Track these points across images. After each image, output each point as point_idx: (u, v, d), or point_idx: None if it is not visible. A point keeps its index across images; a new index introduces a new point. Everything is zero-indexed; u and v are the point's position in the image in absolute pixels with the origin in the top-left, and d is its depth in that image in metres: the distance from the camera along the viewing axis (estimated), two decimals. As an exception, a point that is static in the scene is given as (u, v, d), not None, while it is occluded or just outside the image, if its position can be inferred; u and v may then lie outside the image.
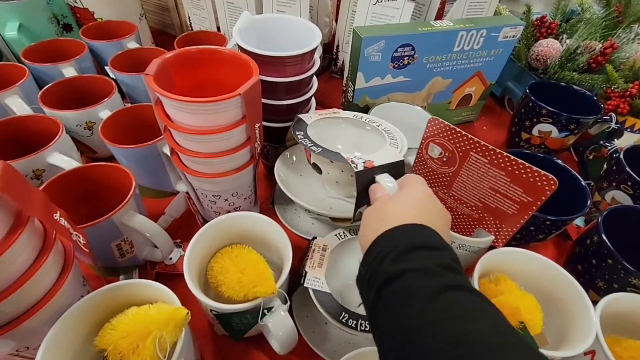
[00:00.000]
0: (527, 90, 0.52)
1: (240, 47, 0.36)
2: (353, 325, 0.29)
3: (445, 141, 0.31)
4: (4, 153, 0.40)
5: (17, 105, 0.45)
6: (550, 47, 0.57)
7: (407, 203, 0.24)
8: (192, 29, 0.74)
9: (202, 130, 0.31)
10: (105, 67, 0.53)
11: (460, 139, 0.29)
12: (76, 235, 0.27)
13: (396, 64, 0.49)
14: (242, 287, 0.29)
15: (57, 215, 0.24)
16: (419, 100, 0.56)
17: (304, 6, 0.56)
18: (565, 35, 0.60)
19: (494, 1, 0.58)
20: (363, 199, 0.30)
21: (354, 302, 0.36)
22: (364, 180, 0.29)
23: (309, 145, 0.32)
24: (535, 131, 0.52)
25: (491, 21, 0.51)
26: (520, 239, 0.39)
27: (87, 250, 0.28)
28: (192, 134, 0.31)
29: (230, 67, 0.33)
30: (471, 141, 0.29)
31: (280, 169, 0.39)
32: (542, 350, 0.23)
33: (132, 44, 0.58)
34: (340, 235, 0.36)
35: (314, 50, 0.37)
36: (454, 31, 0.48)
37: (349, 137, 0.37)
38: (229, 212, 0.37)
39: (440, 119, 0.30)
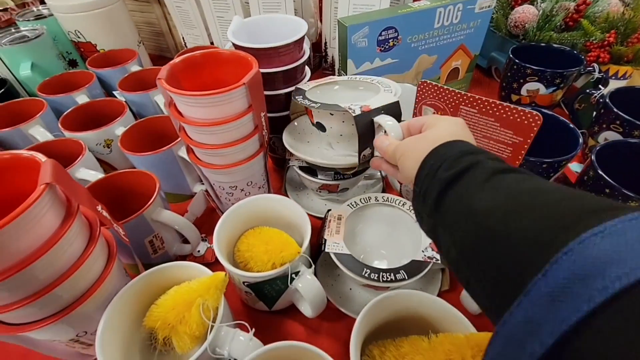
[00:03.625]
0: (510, 54, 0.54)
1: (235, 46, 0.40)
2: (375, 278, 0.31)
3: (435, 101, 0.33)
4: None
5: (40, 133, 0.49)
6: (526, 13, 0.60)
7: (444, 127, 0.25)
8: (187, 48, 0.79)
9: (213, 122, 0.34)
10: (114, 92, 0.58)
11: (449, 96, 0.32)
12: (117, 226, 0.30)
13: (382, 47, 0.52)
14: (269, 257, 0.31)
15: (99, 207, 0.27)
16: (409, 79, 0.59)
17: (289, 10, 0.60)
18: (539, 0, 0.63)
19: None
20: (365, 142, 0.32)
21: (372, 262, 0.38)
22: (364, 123, 0.32)
23: (309, 103, 0.35)
24: (523, 91, 0.54)
25: (466, -5, 0.54)
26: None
27: (127, 240, 0.31)
28: (204, 126, 0.34)
29: (231, 66, 0.36)
30: (459, 95, 0.31)
31: (287, 139, 0.42)
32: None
33: (134, 67, 0.63)
34: (352, 205, 0.38)
35: (302, 38, 0.40)
36: (432, 9, 0.51)
37: (345, 98, 0.39)
38: None
39: (429, 81, 0.33)
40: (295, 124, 0.44)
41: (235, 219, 0.37)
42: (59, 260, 0.25)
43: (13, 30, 0.61)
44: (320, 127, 0.38)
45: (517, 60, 0.53)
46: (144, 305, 0.31)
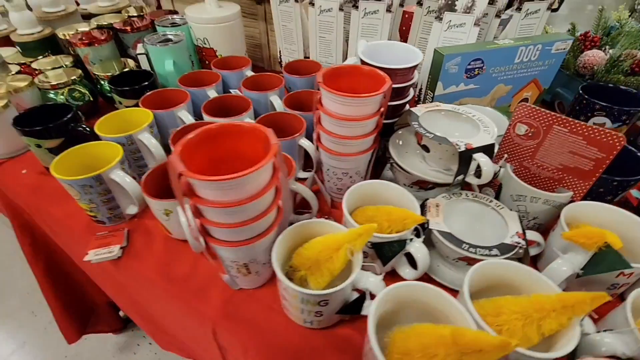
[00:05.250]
0: (581, 91, 0.62)
1: (364, 62, 0.50)
2: (473, 252, 0.39)
3: (531, 120, 0.42)
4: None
5: (185, 116, 0.62)
6: (595, 56, 0.68)
7: None
8: (280, 61, 0.92)
9: (349, 118, 0.44)
10: (230, 90, 0.71)
11: (544, 116, 0.40)
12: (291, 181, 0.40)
13: (468, 74, 0.61)
14: (390, 224, 0.40)
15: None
16: (484, 104, 0.67)
17: (384, 37, 0.71)
18: (607, 47, 0.71)
19: (542, 23, 0.71)
20: (461, 170, 0.42)
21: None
22: (465, 157, 0.41)
23: (424, 132, 0.45)
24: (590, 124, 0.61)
25: (545, 37, 0.63)
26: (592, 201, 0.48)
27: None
28: (342, 120, 0.44)
29: (366, 78, 0.47)
30: (554, 117, 0.40)
31: (391, 149, 0.51)
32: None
33: (249, 72, 0.75)
34: (447, 197, 0.47)
35: (417, 65, 0.50)
36: (515, 47, 0.60)
37: (449, 126, 0.49)
38: (348, 187, 0.49)
39: (528, 104, 0.42)
40: (400, 132, 0.54)
41: (357, 195, 0.46)
42: (256, 181, 0.34)
43: (160, 34, 0.76)
44: (425, 149, 0.48)
45: (586, 96, 0.61)
46: (289, 250, 0.41)
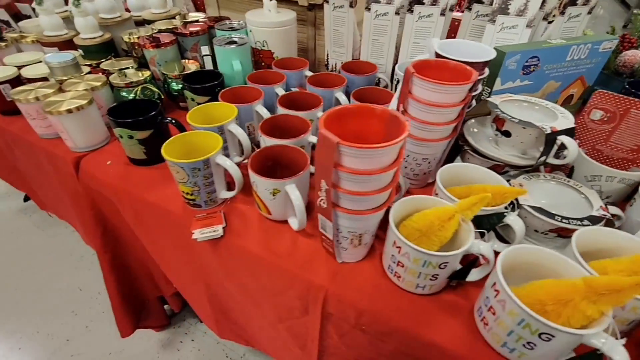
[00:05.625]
0: (627, 85, 0.67)
1: (438, 55, 0.55)
2: (566, 222, 0.43)
3: (607, 105, 0.47)
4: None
5: (261, 109, 0.66)
6: (635, 56, 0.74)
7: None
8: (327, 63, 0.97)
9: (438, 104, 0.48)
10: (291, 88, 0.75)
11: (623, 102, 0.45)
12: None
13: (525, 71, 0.67)
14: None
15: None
16: (535, 100, 0.72)
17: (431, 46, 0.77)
18: (643, 47, 0.76)
19: (582, 26, 0.77)
20: (546, 152, 0.46)
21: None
22: (550, 139, 0.46)
23: (510, 118, 0.49)
24: (638, 116, 0.66)
25: (593, 37, 0.69)
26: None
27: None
28: (432, 106, 0.48)
29: (452, 72, 0.51)
30: (632, 101, 0.45)
31: (467, 136, 0.56)
32: None
33: (308, 72, 0.80)
34: (527, 178, 0.51)
35: (489, 60, 0.55)
36: (568, 46, 0.66)
37: (521, 113, 0.53)
38: (425, 173, 0.53)
39: (606, 90, 0.47)
40: (472, 121, 0.59)
41: (447, 174, 0.49)
42: (384, 158, 0.38)
43: (225, 37, 0.81)
44: (506, 134, 0.53)
45: (633, 90, 0.66)
46: (395, 222, 0.44)
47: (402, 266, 0.41)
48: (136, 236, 0.72)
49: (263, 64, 0.88)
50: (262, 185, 0.48)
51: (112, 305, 0.87)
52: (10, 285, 1.28)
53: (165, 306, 1.07)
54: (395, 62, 0.86)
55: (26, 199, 1.67)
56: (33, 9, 1.14)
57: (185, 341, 1.11)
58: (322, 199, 0.39)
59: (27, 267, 1.34)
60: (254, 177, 0.49)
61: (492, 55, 0.55)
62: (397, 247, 0.40)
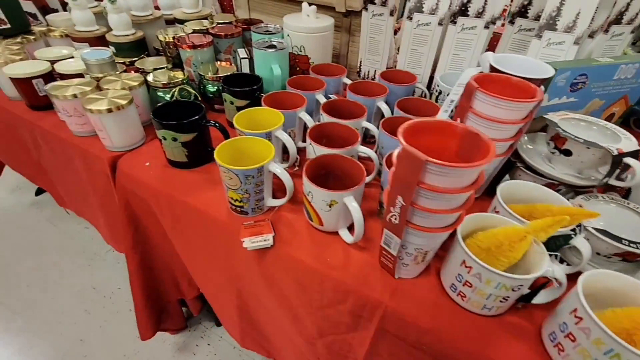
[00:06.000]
0: (672, 107, 0.67)
1: (493, 69, 0.55)
2: (634, 247, 0.42)
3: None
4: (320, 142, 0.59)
5: (305, 116, 0.65)
6: (678, 77, 0.73)
7: None
8: (359, 70, 0.96)
9: (501, 121, 0.47)
10: (329, 95, 0.74)
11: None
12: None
13: (572, 88, 0.66)
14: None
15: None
16: (578, 117, 0.72)
17: (477, 50, 0.76)
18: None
19: (623, 45, 0.77)
20: (610, 173, 0.45)
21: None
22: (616, 160, 0.45)
23: (573, 137, 0.48)
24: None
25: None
26: None
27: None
28: (496, 122, 0.48)
29: (513, 88, 0.50)
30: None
31: (522, 153, 0.55)
32: None
33: (346, 80, 0.80)
34: (585, 199, 0.50)
35: (548, 78, 0.55)
36: (617, 64, 0.65)
37: (583, 132, 0.53)
38: None
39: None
40: (525, 137, 0.58)
41: (506, 192, 0.49)
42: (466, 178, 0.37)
43: (264, 41, 0.80)
44: (566, 153, 0.52)
45: (678, 112, 0.66)
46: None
47: (470, 286, 0.40)
48: (167, 238, 0.71)
49: (298, 68, 0.87)
50: (318, 196, 0.47)
51: (136, 307, 0.85)
52: (21, 283, 1.26)
53: (183, 308, 1.05)
54: (432, 72, 0.85)
55: (38, 192, 1.65)
56: (61, 3, 1.13)
57: (202, 345, 1.10)
58: (394, 215, 0.38)
59: (38, 264, 1.32)
60: (310, 187, 0.47)
61: (550, 72, 0.54)
62: (467, 267, 0.39)
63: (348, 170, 0.52)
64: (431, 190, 0.34)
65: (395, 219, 0.38)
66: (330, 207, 0.48)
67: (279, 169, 0.51)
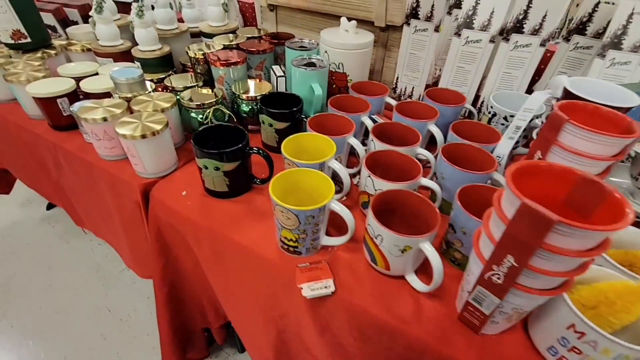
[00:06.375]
0: None
1: (571, 95, 0.50)
2: None
3: None
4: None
5: (355, 143, 0.60)
6: None
7: None
8: (395, 87, 0.91)
9: (590, 156, 0.42)
10: (372, 116, 0.69)
11: None
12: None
13: (643, 112, 0.61)
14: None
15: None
16: None
17: (528, 73, 0.72)
18: None
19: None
20: None
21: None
22: None
23: None
24: None
25: None
26: None
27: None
28: (587, 158, 0.43)
29: (602, 120, 0.45)
30: None
31: None
32: None
33: (389, 99, 0.75)
34: None
35: (633, 107, 0.50)
36: (692, 87, 0.60)
37: None
38: None
39: None
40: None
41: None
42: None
43: (305, 57, 0.75)
44: None
45: None
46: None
47: (579, 353, 0.35)
48: (198, 268, 0.66)
49: (335, 86, 0.83)
50: (390, 240, 0.42)
51: (161, 339, 0.80)
52: (32, 304, 1.20)
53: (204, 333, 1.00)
54: (477, 91, 0.80)
55: (49, 207, 1.60)
56: (83, 16, 1.09)
57: (223, 374, 1.04)
58: (497, 275, 0.33)
59: (50, 284, 1.27)
60: (379, 230, 0.42)
61: (635, 101, 0.49)
62: (578, 332, 0.34)
63: (416, 208, 0.47)
64: (553, 252, 0.29)
65: (499, 278, 0.33)
66: (402, 252, 0.42)
67: (338, 207, 0.46)
